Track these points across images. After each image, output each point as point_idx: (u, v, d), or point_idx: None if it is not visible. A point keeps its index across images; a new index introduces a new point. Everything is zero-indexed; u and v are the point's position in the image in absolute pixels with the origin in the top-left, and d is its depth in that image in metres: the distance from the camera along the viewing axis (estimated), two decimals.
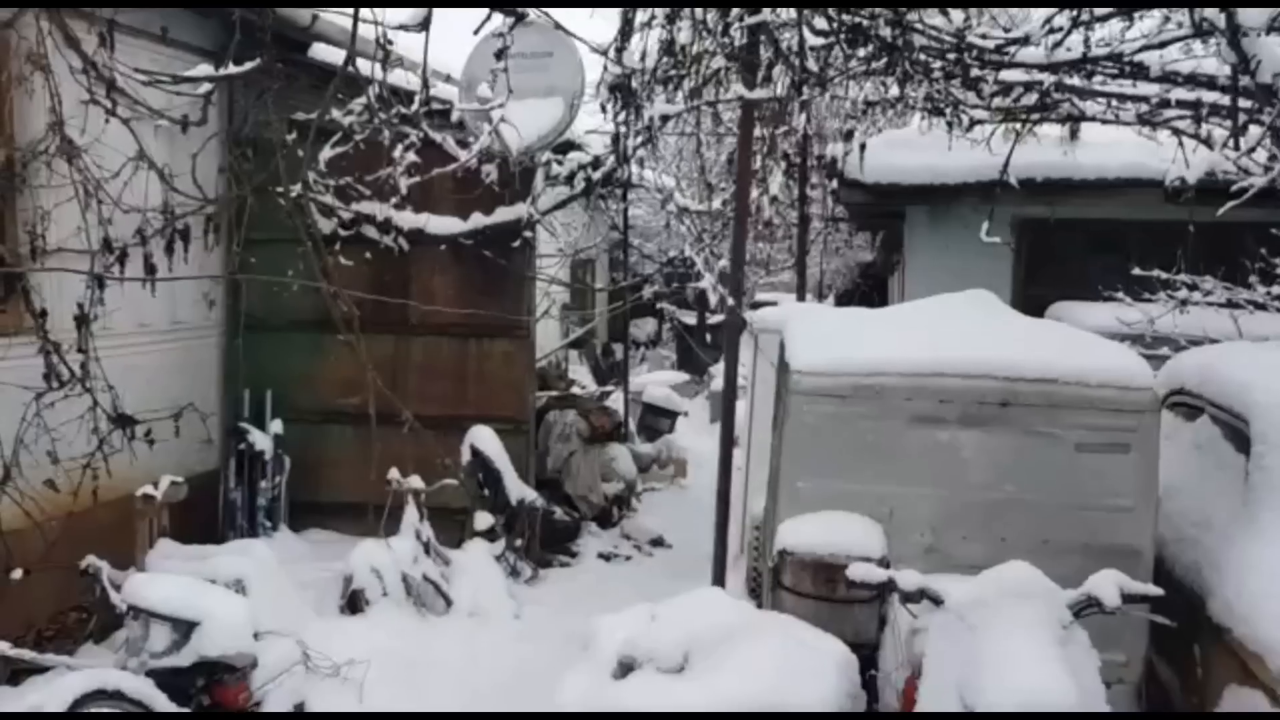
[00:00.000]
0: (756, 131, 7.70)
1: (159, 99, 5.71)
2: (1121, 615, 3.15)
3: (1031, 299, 8.18)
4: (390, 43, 4.68)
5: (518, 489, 7.41)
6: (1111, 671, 3.48)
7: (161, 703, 4.01)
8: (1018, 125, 7.01)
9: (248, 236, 7.01)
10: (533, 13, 6.26)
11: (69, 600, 5.59)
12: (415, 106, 4.92)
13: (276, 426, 7.55)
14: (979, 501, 4.15)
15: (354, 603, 5.89)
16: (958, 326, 4.61)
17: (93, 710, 3.77)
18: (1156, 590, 3.17)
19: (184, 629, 4.29)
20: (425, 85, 4.80)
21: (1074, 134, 7.73)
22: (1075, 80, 6.18)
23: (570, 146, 9.03)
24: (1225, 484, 4.25)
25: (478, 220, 7.58)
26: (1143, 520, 4.10)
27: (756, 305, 11.26)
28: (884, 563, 3.61)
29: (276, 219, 6.01)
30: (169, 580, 4.54)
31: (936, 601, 3.16)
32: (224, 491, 7.38)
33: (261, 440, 7.42)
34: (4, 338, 5.47)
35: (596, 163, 8.68)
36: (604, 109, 6.68)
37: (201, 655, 4.27)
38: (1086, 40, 5.75)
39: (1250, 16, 4.36)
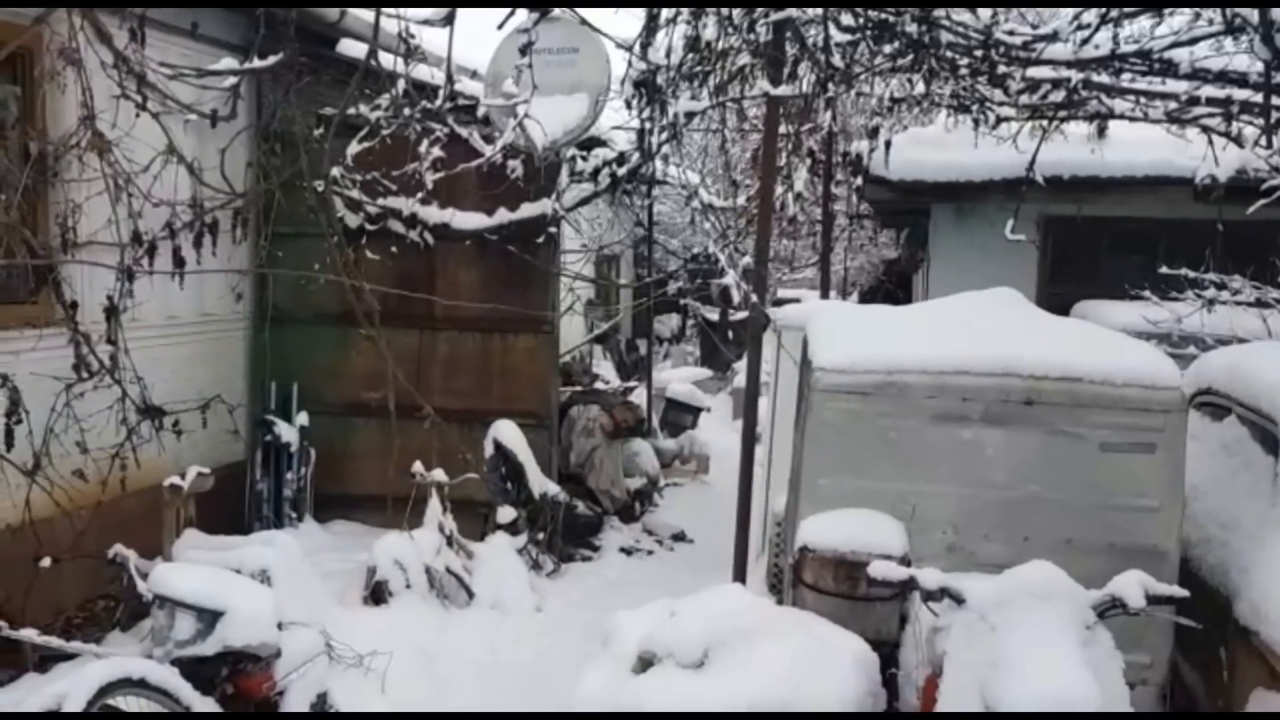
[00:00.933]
0: (781, 128, 7.65)
1: (188, 94, 5.74)
2: (1146, 616, 3.10)
3: (1057, 297, 8.09)
4: (412, 36, 4.68)
5: (540, 483, 7.41)
6: (1135, 673, 3.43)
7: (186, 692, 4.02)
8: (1044, 122, 6.93)
9: (275, 230, 7.04)
10: (558, 9, 6.24)
11: (97, 588, 5.64)
12: (440, 102, 4.91)
13: (302, 419, 7.59)
14: (1002, 500, 4.10)
15: (377, 594, 5.90)
16: (982, 324, 4.55)
17: (114, 700, 3.79)
18: (1182, 592, 3.11)
19: (209, 618, 4.30)
20: (450, 80, 4.80)
21: (1102, 131, 7.64)
22: (1103, 77, 6.10)
23: (595, 143, 9.02)
24: (1253, 485, 4.18)
25: (503, 216, 7.58)
26: (1168, 521, 4.04)
27: (780, 302, 11.20)
28: (905, 560, 3.57)
29: (303, 213, 6.03)
30: (195, 570, 4.55)
31: (958, 600, 3.12)
32: (250, 482, 7.42)
33: (287, 432, 7.45)
34: (35, 329, 5.51)
35: (621, 159, 8.68)
36: (629, 105, 6.65)
37: (226, 645, 4.28)
38: (1115, 37, 5.68)
39: None
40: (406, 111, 5.37)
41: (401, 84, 5.17)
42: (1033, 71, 6.14)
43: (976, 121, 6.96)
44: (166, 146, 5.64)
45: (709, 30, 6.31)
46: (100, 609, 5.70)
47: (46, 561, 4.85)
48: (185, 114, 5.71)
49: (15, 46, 5.11)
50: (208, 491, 5.77)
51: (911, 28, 5.71)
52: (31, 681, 4.89)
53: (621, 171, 8.68)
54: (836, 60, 6.18)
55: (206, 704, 4.16)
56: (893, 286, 13.72)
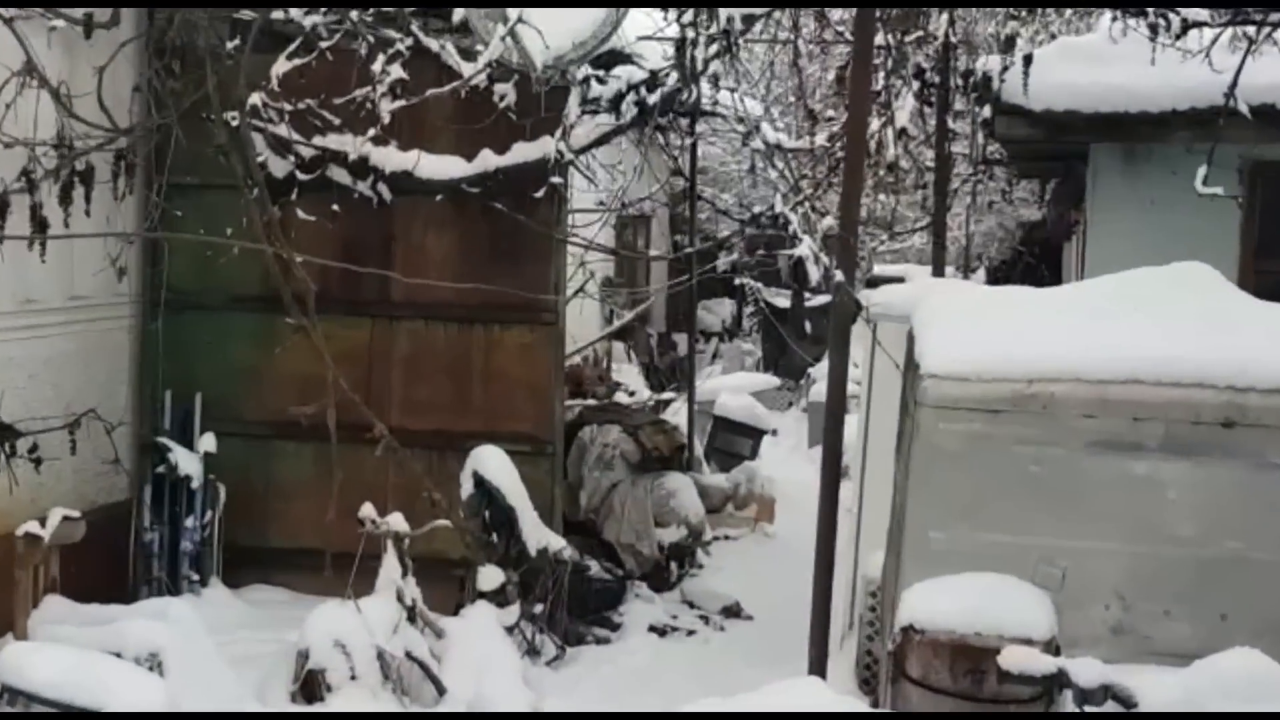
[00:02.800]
0: (878, 38, 7.63)
1: None
2: None
3: (1268, 276, 8.03)
4: None
5: (538, 534, 7.41)
6: None
7: None
8: (1251, 29, 6.87)
9: (172, 181, 7.07)
10: None
11: None
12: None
13: (208, 443, 7.61)
14: (1189, 562, 4.08)
15: (310, 688, 5.92)
16: (1161, 314, 4.53)
17: None
18: None
19: None
20: None
21: None
22: None
23: (617, 59, 9.02)
24: None
25: (487, 160, 7.60)
26: None
27: (875, 282, 11.18)
28: (1052, 647, 3.56)
29: (211, 157, 6.06)
30: (58, 653, 4.58)
31: (1127, 704, 3.10)
32: (136, 531, 7.46)
33: (187, 462, 7.49)
34: None
35: (653, 81, 8.66)
36: (664, 7, 6.65)
37: None
38: None
39: None
40: (354, 14, 5.39)
41: None
42: None
43: (1154, 27, 6.91)
44: (23, 64, 5.69)
45: None
46: None
47: None
48: (50, 19, 5.76)
49: None
50: (77, 543, 5.81)
51: None
52: None
53: (653, 99, 8.67)
54: None
55: None
56: (1034, 260, 13.70)
